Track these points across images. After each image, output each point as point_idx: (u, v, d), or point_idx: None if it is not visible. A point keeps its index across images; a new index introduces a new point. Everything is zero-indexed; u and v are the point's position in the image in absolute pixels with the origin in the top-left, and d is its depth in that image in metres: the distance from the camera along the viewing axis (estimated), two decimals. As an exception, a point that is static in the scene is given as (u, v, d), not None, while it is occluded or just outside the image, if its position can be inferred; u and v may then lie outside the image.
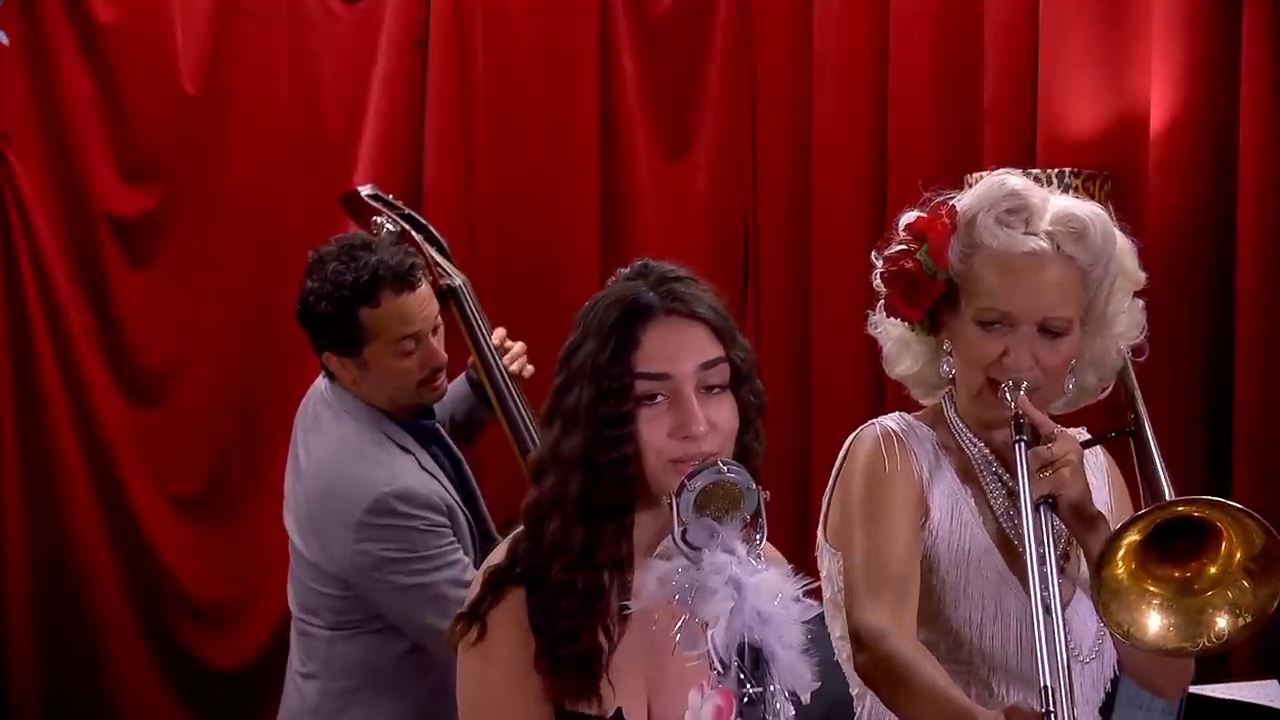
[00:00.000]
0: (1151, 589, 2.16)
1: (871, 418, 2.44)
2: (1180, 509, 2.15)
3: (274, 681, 4.75)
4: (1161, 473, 2.30)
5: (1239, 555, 2.14)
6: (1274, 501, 3.58)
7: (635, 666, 2.04)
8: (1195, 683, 3.19)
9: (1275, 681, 3.45)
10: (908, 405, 2.49)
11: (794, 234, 4.68)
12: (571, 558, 2.00)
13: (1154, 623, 2.15)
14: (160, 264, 4.93)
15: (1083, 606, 2.32)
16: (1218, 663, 3.72)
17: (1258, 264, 3.88)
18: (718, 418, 1.99)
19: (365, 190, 3.69)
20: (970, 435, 2.39)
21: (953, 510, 2.35)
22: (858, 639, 2.26)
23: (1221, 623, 2.15)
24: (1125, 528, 2.14)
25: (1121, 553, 2.14)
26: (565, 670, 1.99)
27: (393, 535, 3.13)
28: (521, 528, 2.07)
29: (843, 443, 2.44)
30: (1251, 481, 3.81)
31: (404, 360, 3.23)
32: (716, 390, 2.01)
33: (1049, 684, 2.02)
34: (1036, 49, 4.20)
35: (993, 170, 2.44)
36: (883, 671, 2.22)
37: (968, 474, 2.39)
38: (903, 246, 2.36)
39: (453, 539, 3.18)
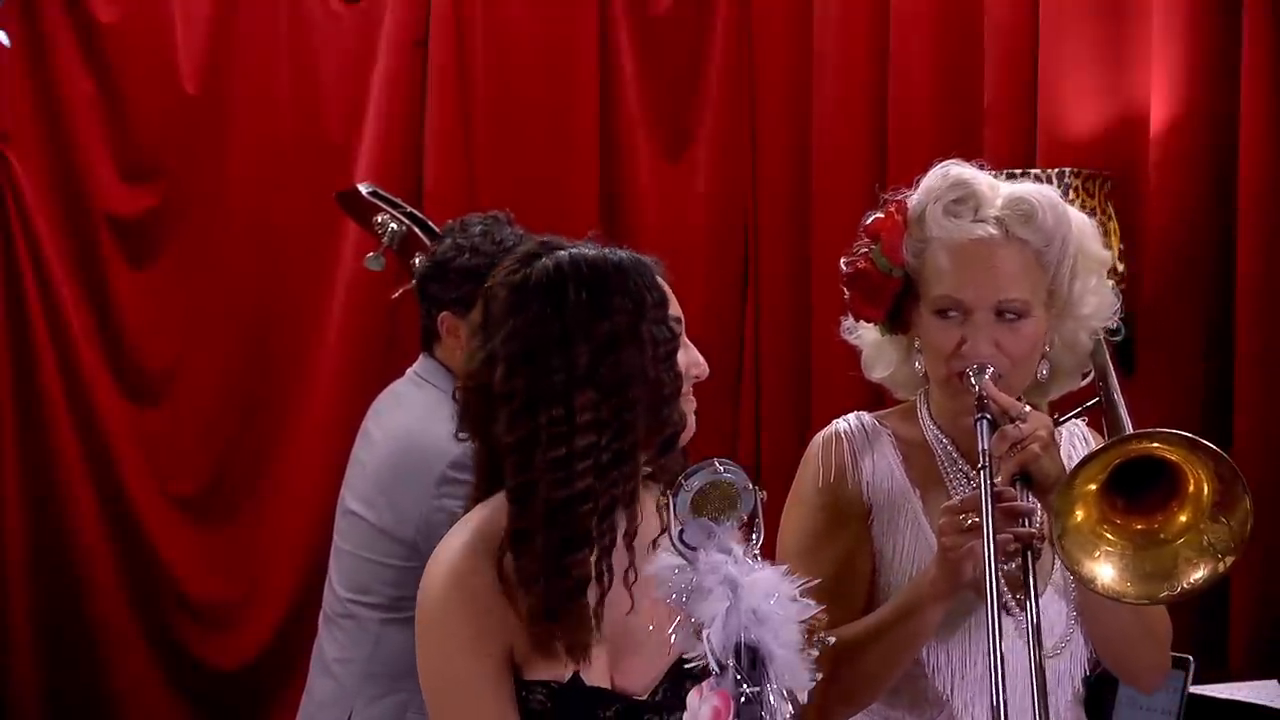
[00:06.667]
0: (1109, 537, 2.09)
1: (871, 418, 2.43)
2: (1134, 445, 2.09)
3: (274, 681, 4.77)
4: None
5: (1206, 492, 2.10)
6: (1273, 502, 3.58)
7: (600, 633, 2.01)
8: (1196, 683, 3.20)
9: (1275, 682, 3.44)
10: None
11: (794, 234, 4.67)
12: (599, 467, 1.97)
13: (1107, 573, 2.08)
14: (160, 264, 4.93)
15: (1053, 601, 2.29)
16: (1218, 663, 3.72)
17: (1257, 264, 3.87)
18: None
19: (365, 188, 3.66)
20: (937, 431, 2.36)
21: (896, 510, 2.33)
22: None
23: (1199, 572, 2.09)
24: (1082, 466, 2.08)
25: (1082, 500, 2.08)
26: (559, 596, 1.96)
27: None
28: (471, 519, 2.06)
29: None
30: (1250, 482, 3.79)
31: None
32: None
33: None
34: (1036, 49, 4.19)
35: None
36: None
37: (929, 473, 2.35)
38: (861, 248, 2.35)
39: None
